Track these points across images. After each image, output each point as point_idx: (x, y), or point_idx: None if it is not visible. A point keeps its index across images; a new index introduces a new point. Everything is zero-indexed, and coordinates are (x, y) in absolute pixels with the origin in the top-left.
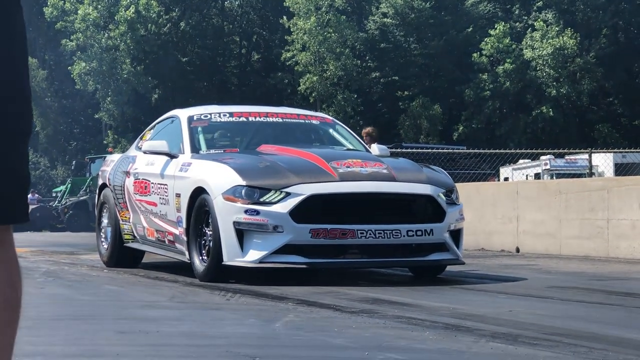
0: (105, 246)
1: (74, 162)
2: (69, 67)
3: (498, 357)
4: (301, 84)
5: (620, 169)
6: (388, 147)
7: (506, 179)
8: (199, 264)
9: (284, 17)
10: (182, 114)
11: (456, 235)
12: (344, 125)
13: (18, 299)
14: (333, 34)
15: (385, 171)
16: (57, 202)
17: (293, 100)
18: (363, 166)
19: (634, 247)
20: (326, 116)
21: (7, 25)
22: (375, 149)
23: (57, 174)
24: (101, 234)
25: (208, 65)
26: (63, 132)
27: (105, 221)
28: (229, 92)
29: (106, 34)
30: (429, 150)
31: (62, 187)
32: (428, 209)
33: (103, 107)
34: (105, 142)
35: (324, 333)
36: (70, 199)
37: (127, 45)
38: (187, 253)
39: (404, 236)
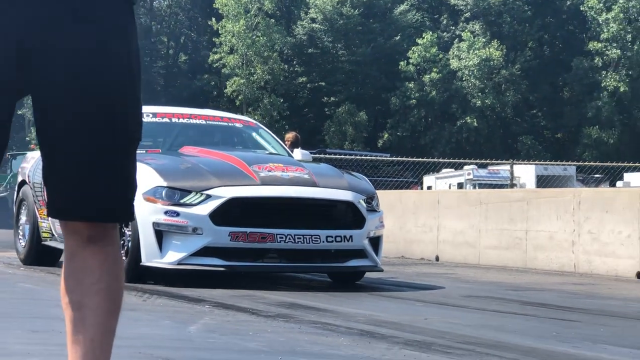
0: (23, 244)
1: None
2: None
3: None
4: (228, 87)
5: (542, 181)
6: (312, 153)
7: (429, 187)
8: None
9: (213, 19)
10: None
11: (376, 242)
12: (267, 130)
13: (120, 290)
14: (261, 38)
15: (306, 176)
16: None
17: (219, 103)
18: (284, 170)
19: (550, 259)
20: (250, 119)
21: (127, 38)
22: (297, 154)
23: None
24: (19, 231)
25: None
26: None
27: (23, 218)
28: (154, 93)
29: None
30: (352, 157)
31: None
32: (348, 215)
33: (26, 103)
34: (27, 138)
35: (238, 336)
36: None
37: None
38: None
39: (323, 242)
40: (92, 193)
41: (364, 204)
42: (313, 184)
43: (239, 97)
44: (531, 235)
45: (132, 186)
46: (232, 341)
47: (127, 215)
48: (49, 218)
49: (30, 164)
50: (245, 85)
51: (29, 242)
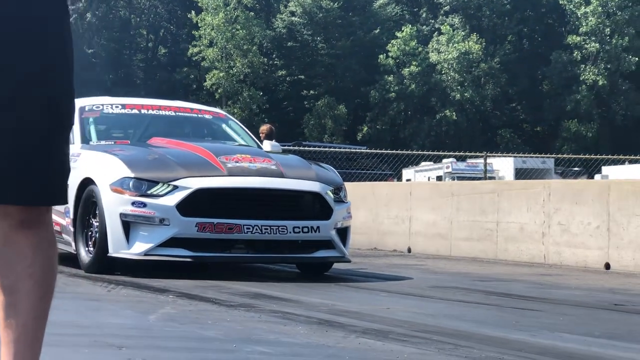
0: None
1: None
2: None
3: (362, 352)
4: (207, 80)
5: (521, 174)
6: (288, 145)
7: (408, 180)
8: (84, 255)
9: (192, 12)
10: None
11: (343, 233)
12: (236, 121)
13: (54, 274)
14: (241, 31)
15: (274, 167)
16: None
17: (199, 96)
18: (252, 161)
19: (521, 250)
20: (220, 111)
21: (60, 31)
22: (267, 145)
23: None
24: None
25: (114, 57)
26: None
27: None
28: (134, 86)
29: None
30: (329, 150)
31: None
32: (315, 206)
33: None
34: None
35: (197, 325)
36: None
37: None
38: (73, 244)
39: (290, 232)
40: (24, 176)
41: (332, 195)
42: (280, 175)
43: (219, 90)
44: (502, 226)
45: (64, 169)
46: (190, 329)
47: (60, 199)
48: None
49: None
50: (224, 79)
51: None
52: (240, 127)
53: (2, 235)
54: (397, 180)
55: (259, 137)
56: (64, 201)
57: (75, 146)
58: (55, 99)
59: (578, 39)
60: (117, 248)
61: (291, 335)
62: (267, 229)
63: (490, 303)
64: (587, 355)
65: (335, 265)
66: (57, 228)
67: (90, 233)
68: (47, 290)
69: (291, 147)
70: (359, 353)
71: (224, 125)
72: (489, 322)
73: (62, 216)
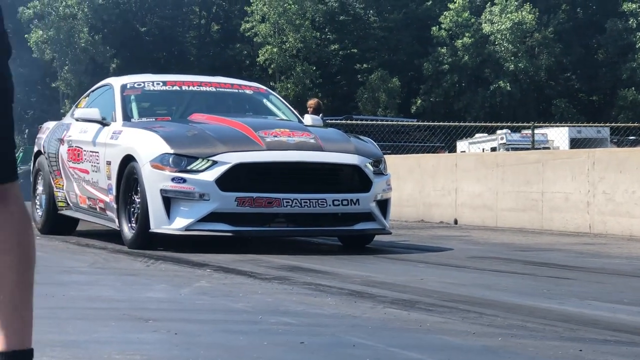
0: (40, 213)
1: (26, 130)
2: (26, 35)
3: (386, 322)
4: (260, 56)
5: (576, 144)
6: (339, 119)
7: (462, 152)
8: (127, 231)
9: None
10: (116, 82)
11: (383, 205)
12: (277, 96)
13: (31, 243)
14: (293, 6)
15: (312, 141)
16: None
17: (252, 72)
18: (291, 136)
19: (566, 220)
20: (260, 86)
21: None
22: (308, 119)
23: None
24: (36, 201)
25: (167, 35)
26: (20, 101)
27: (40, 188)
28: (188, 63)
29: (64, 2)
30: (378, 123)
31: None
32: (355, 179)
33: (60, 76)
34: (62, 111)
35: (227, 298)
36: (22, 167)
37: (85, 13)
38: (116, 220)
39: (329, 205)
40: None
41: (371, 168)
42: (319, 148)
43: (272, 66)
44: (547, 196)
45: (10, 144)
46: (220, 302)
47: (10, 174)
48: (64, 187)
49: (46, 134)
50: (277, 54)
51: (45, 211)
52: (281, 101)
53: None
54: (449, 153)
55: (306, 111)
56: (14, 177)
57: (116, 124)
58: None
59: (633, 6)
60: (159, 224)
61: (319, 306)
62: (306, 202)
63: (526, 272)
64: (611, 322)
65: (378, 238)
66: (100, 205)
67: (132, 209)
68: (26, 261)
69: (340, 122)
70: (382, 323)
71: (264, 100)
72: (520, 291)
73: (105, 193)
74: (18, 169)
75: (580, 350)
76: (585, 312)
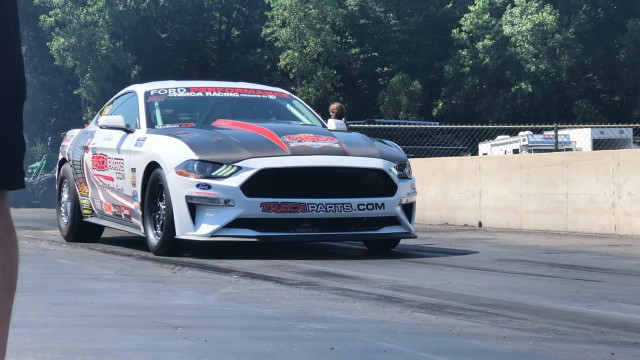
0: (65, 221)
1: (49, 138)
2: (48, 43)
3: (415, 327)
4: (281, 60)
5: (599, 145)
6: (361, 123)
7: (485, 154)
8: (153, 238)
9: None
10: (140, 89)
11: (408, 209)
12: (300, 100)
13: (13, 265)
14: (313, 10)
15: (336, 145)
16: (32, 178)
17: (273, 77)
18: (315, 140)
19: (591, 222)
20: (283, 91)
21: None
22: (332, 123)
23: (36, 150)
24: (61, 209)
25: (188, 41)
26: (42, 108)
27: (65, 196)
28: (209, 69)
29: (85, 10)
30: (400, 126)
31: (38, 164)
32: (379, 183)
33: (82, 83)
34: (84, 118)
35: (255, 304)
36: (45, 175)
37: (106, 21)
38: (142, 227)
39: (355, 210)
40: None
41: (396, 172)
42: (343, 153)
43: (293, 70)
44: (572, 198)
45: (15, 149)
46: (248, 309)
47: (15, 182)
48: (89, 195)
49: (70, 142)
50: (298, 58)
51: (70, 219)
52: (305, 106)
53: None
54: (472, 155)
55: (329, 116)
56: (19, 185)
57: (140, 131)
58: None
59: None
60: (184, 230)
61: (348, 311)
62: (331, 207)
63: (553, 275)
64: None
65: (403, 241)
66: (125, 212)
67: (157, 216)
68: (7, 283)
69: (362, 125)
70: (411, 327)
71: (288, 105)
72: (548, 294)
73: (130, 200)
74: (41, 176)
75: (612, 354)
76: (615, 315)
